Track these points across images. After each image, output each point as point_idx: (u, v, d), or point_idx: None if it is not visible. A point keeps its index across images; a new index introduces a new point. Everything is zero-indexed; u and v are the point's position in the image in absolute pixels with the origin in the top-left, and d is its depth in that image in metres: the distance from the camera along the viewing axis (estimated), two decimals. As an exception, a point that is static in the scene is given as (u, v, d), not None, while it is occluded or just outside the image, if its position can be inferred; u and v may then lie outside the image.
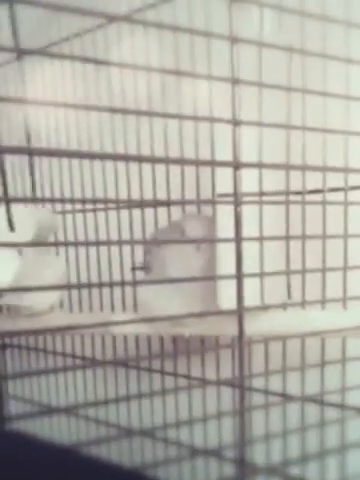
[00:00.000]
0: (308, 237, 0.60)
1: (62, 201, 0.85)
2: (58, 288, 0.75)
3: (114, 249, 0.78)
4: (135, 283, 0.73)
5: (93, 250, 0.80)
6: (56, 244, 0.77)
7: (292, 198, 0.62)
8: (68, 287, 0.82)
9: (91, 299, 0.81)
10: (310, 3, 0.52)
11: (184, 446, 0.74)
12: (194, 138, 0.70)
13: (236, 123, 0.43)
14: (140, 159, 0.59)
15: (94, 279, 0.81)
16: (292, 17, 0.50)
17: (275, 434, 0.67)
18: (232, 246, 0.45)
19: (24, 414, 0.38)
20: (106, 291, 0.80)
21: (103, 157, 0.60)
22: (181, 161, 0.50)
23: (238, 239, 0.44)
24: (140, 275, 0.76)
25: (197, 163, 0.60)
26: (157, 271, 0.66)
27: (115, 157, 0.59)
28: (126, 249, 0.77)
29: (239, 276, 0.45)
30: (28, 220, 0.67)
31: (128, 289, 0.76)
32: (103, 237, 0.79)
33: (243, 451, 0.46)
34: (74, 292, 0.83)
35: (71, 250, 0.83)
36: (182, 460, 0.67)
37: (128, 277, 0.77)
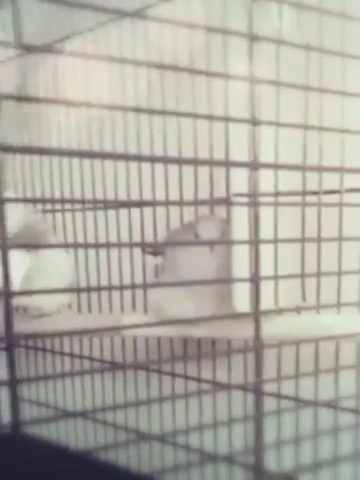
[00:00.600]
0: (324, 240, 0.59)
1: (72, 201, 0.85)
2: (69, 291, 0.74)
3: (125, 250, 0.77)
4: (145, 286, 0.72)
5: (103, 250, 0.79)
6: (67, 246, 0.76)
7: (308, 198, 0.61)
8: (78, 290, 0.81)
9: (100, 299, 0.80)
10: (329, 0, 0.51)
11: (195, 451, 0.73)
12: (209, 138, 0.68)
13: (255, 123, 0.42)
14: (152, 159, 0.58)
15: (104, 279, 0.80)
16: (311, 14, 0.49)
17: (287, 440, 0.65)
18: (248, 248, 0.43)
19: (38, 419, 0.37)
20: (115, 291, 0.79)
21: (115, 157, 0.59)
22: (197, 162, 0.49)
23: (255, 241, 0.43)
24: (149, 273, 0.76)
25: (213, 164, 0.59)
26: (170, 273, 0.65)
27: (127, 157, 0.58)
28: (136, 250, 0.76)
29: (256, 279, 0.43)
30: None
31: (138, 289, 0.75)
32: (113, 237, 0.78)
33: (260, 457, 0.44)
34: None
35: (80, 250, 0.82)
36: (192, 466, 0.66)
37: (138, 278, 0.76)
